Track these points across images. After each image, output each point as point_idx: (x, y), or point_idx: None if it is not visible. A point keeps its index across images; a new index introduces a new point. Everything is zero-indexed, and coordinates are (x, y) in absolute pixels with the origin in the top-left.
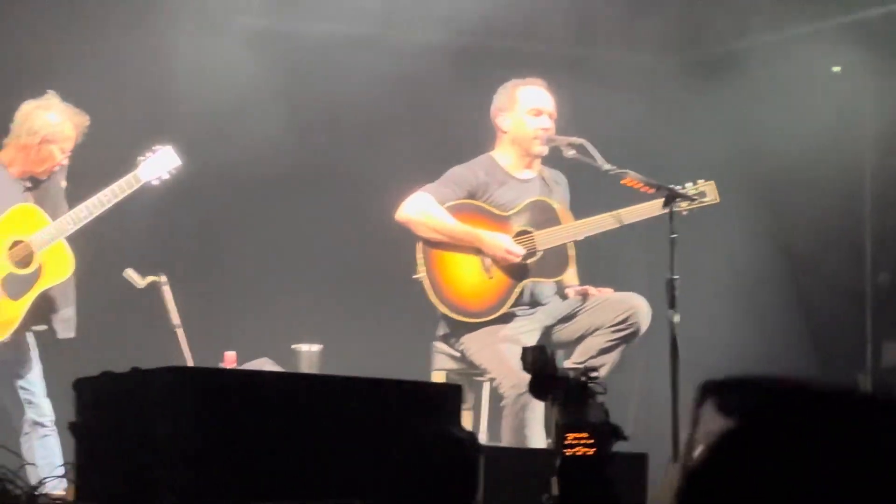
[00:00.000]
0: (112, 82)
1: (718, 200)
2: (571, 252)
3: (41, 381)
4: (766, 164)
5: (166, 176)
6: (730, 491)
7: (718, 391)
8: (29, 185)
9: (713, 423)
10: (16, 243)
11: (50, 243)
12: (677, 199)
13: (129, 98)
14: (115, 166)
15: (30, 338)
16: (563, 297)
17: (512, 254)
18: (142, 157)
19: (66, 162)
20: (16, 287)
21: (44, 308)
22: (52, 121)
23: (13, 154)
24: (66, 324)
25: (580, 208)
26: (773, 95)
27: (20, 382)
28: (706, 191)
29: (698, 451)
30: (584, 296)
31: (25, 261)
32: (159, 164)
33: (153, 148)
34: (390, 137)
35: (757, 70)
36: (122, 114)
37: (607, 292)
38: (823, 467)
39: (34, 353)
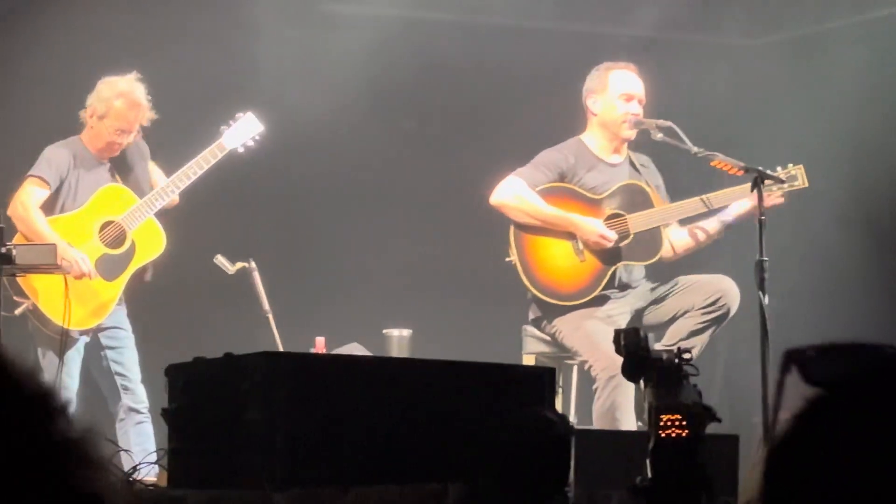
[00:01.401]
0: (197, 66)
1: (807, 184)
2: (664, 235)
3: (137, 367)
4: (853, 147)
5: (251, 143)
6: (816, 461)
7: (802, 359)
8: (110, 164)
9: (798, 392)
10: (106, 224)
11: (140, 221)
12: (766, 181)
13: (214, 86)
14: (203, 144)
15: (127, 325)
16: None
17: (605, 238)
18: (225, 126)
19: (138, 134)
20: (110, 267)
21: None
22: (117, 91)
23: (91, 133)
24: None
25: (668, 190)
26: (859, 77)
27: (117, 369)
28: (795, 174)
29: (783, 420)
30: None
31: (118, 241)
32: (243, 130)
33: (235, 116)
34: (479, 121)
35: (843, 51)
36: (207, 99)
37: None
38: None
39: (130, 341)
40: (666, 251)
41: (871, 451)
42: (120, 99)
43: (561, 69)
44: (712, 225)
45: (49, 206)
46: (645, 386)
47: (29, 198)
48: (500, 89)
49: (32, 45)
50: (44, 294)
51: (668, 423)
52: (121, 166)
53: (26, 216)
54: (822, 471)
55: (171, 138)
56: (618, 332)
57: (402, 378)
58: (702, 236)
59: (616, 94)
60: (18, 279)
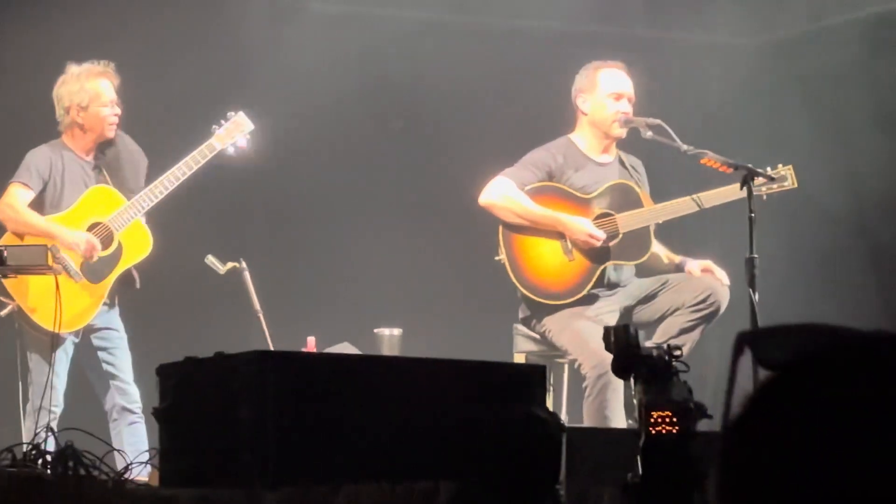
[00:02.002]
0: (186, 65)
1: (796, 185)
2: (652, 235)
3: (130, 367)
4: (845, 147)
5: (242, 143)
6: (769, 443)
7: (754, 341)
8: (97, 163)
9: (751, 375)
10: (93, 225)
11: (128, 223)
12: (756, 178)
13: (204, 86)
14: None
15: (119, 326)
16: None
17: (594, 237)
18: (216, 126)
19: (114, 120)
20: (97, 269)
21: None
22: (89, 72)
23: (76, 132)
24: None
25: (657, 190)
26: (849, 76)
27: (109, 369)
28: (785, 175)
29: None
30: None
31: (105, 242)
32: (234, 130)
33: (227, 115)
34: (468, 120)
35: (834, 51)
36: (196, 98)
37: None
38: (865, 414)
39: (123, 342)
40: (661, 259)
41: (824, 432)
42: (89, 77)
43: (550, 68)
44: (675, 259)
45: (34, 209)
46: (635, 383)
47: (15, 199)
48: (488, 88)
49: (6, 44)
50: (29, 295)
51: (659, 420)
52: (109, 166)
53: (16, 215)
54: (775, 453)
55: (162, 139)
56: (607, 330)
57: (392, 377)
58: (665, 262)
59: (605, 92)
60: (3, 280)
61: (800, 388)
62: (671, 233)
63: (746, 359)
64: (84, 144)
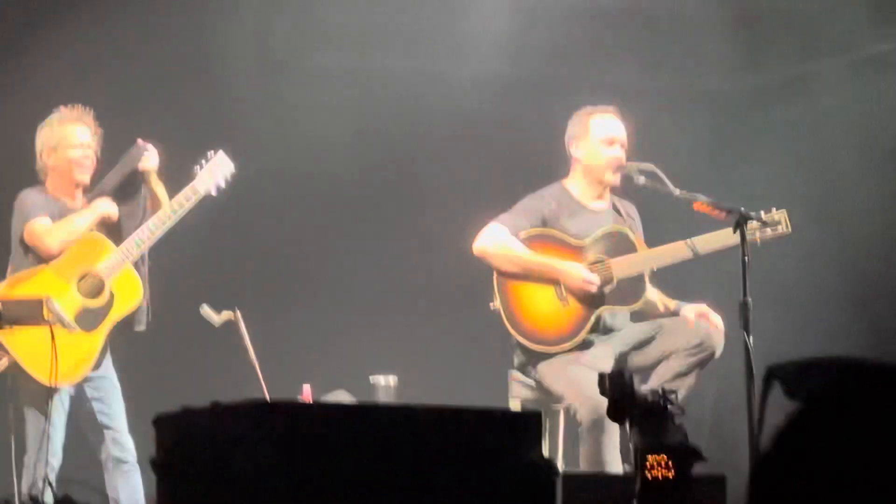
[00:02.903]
0: (178, 114)
1: (790, 230)
2: (647, 281)
3: (123, 417)
4: (836, 189)
5: (222, 184)
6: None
7: (784, 375)
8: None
9: (781, 407)
10: (84, 275)
11: (117, 270)
12: (748, 223)
13: (193, 134)
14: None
15: (112, 375)
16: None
17: (589, 283)
18: (197, 166)
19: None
20: (89, 319)
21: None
22: (59, 117)
23: (54, 176)
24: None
25: (651, 235)
26: (841, 118)
27: (103, 419)
28: (779, 219)
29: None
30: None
31: (96, 291)
32: (215, 171)
33: (207, 155)
34: (461, 168)
35: (824, 94)
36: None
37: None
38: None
39: (117, 391)
40: (656, 306)
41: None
42: (65, 123)
43: (542, 114)
44: (669, 304)
45: (24, 253)
46: (630, 427)
47: (41, 224)
48: (481, 136)
49: None
50: (24, 349)
51: (655, 464)
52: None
53: (55, 227)
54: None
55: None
56: (602, 375)
57: (388, 424)
58: (659, 307)
59: (598, 138)
60: None
61: (831, 421)
62: (666, 277)
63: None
64: (64, 189)
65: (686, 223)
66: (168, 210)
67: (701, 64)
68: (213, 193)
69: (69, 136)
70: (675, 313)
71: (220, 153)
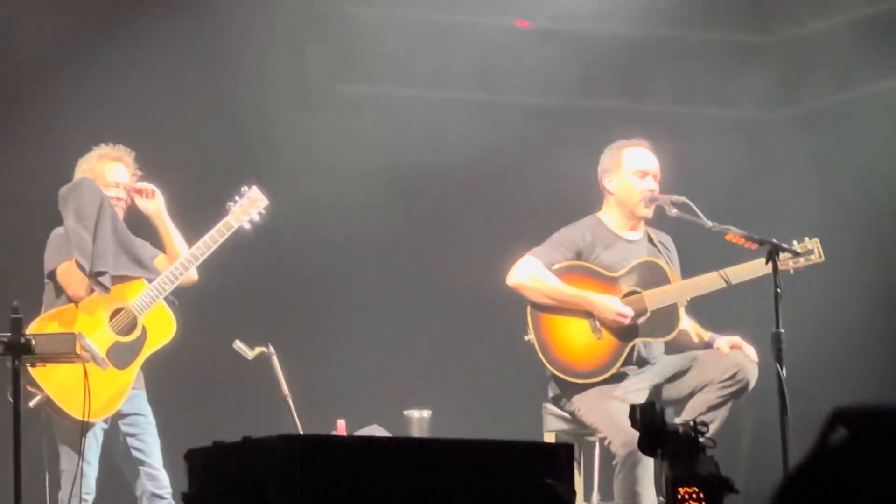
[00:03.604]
0: (211, 146)
1: (823, 259)
2: (681, 311)
3: (158, 453)
4: (871, 218)
5: (256, 218)
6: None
7: (849, 419)
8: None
9: (837, 448)
10: (117, 311)
11: (150, 306)
12: (781, 253)
13: (227, 163)
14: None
15: (147, 411)
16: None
17: (622, 315)
18: (231, 202)
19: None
20: (122, 356)
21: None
22: (96, 155)
23: None
24: None
25: (685, 265)
26: (876, 147)
27: (138, 455)
28: (812, 248)
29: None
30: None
31: (129, 327)
32: (249, 205)
33: (241, 191)
34: (495, 200)
35: (859, 123)
36: (220, 178)
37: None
38: None
39: (151, 426)
40: (690, 337)
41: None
42: (103, 161)
43: (577, 145)
44: (704, 336)
45: (57, 291)
46: (662, 459)
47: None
48: (515, 167)
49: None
50: (57, 385)
51: (686, 496)
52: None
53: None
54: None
55: (185, 217)
56: (633, 407)
57: (422, 458)
58: (694, 338)
59: (630, 171)
60: (31, 370)
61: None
62: (700, 308)
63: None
64: None
65: (720, 253)
66: (202, 247)
67: (735, 94)
68: (247, 227)
69: (106, 175)
70: (708, 345)
71: (255, 188)
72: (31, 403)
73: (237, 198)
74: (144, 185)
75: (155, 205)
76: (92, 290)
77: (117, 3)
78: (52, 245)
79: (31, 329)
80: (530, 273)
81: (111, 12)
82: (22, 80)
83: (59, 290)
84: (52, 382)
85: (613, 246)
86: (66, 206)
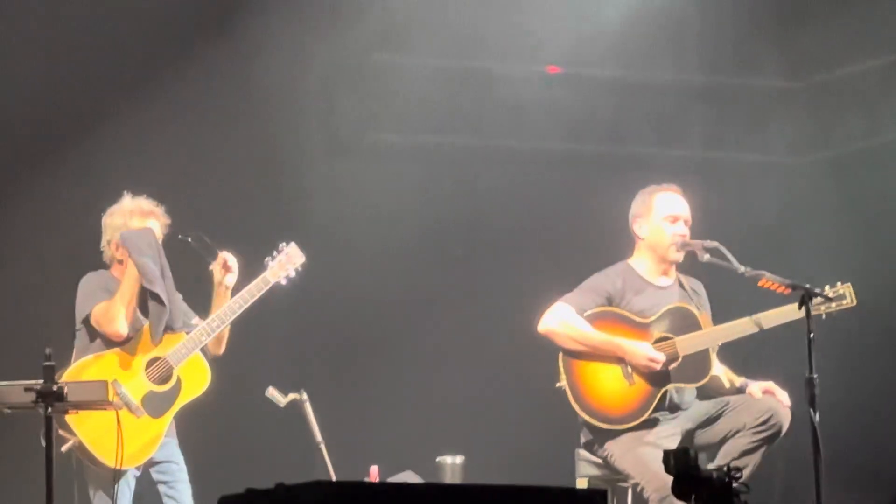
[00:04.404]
0: (246, 196)
1: (855, 303)
2: (713, 357)
3: (191, 500)
4: None
5: (293, 274)
6: None
7: None
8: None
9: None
10: (153, 360)
11: (186, 357)
12: (814, 299)
13: (260, 215)
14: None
15: (179, 458)
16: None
17: (654, 361)
18: (269, 258)
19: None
20: (156, 405)
21: None
22: (127, 210)
23: (113, 265)
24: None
25: (717, 310)
26: None
27: (171, 503)
28: (844, 293)
29: None
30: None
31: (164, 377)
32: (286, 262)
33: (279, 247)
34: (527, 246)
35: (890, 167)
36: (253, 229)
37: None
38: None
39: (183, 474)
40: (722, 383)
41: None
42: (135, 216)
43: (608, 191)
44: (735, 381)
45: (90, 336)
46: None
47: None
48: (546, 213)
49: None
50: (90, 431)
51: None
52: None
53: (113, 311)
54: None
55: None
56: (667, 453)
57: None
58: (725, 384)
59: (661, 216)
60: (65, 416)
61: None
62: (733, 354)
63: None
64: None
65: (752, 298)
66: (239, 300)
67: (766, 139)
68: (283, 283)
69: (159, 216)
70: (741, 390)
71: (293, 245)
72: (64, 448)
73: (275, 253)
74: (228, 256)
75: (233, 278)
76: (134, 330)
77: (150, 59)
78: (84, 290)
79: (68, 375)
80: (562, 319)
81: (145, 67)
82: (52, 132)
83: (94, 335)
84: (86, 428)
85: (644, 292)
86: (134, 247)
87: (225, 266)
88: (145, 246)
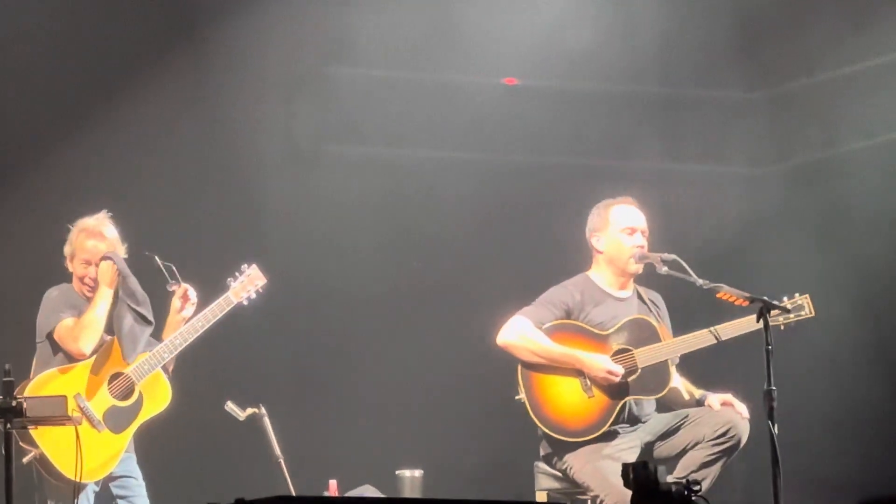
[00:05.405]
0: (202, 210)
1: (814, 314)
2: (672, 369)
3: None
4: (862, 272)
5: (254, 295)
6: None
7: None
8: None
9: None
10: (116, 376)
11: (149, 373)
12: (772, 311)
13: (219, 227)
14: (209, 294)
15: (137, 473)
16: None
17: (612, 373)
18: (231, 279)
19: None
20: (118, 420)
21: None
22: (80, 228)
23: (74, 278)
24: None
25: (676, 322)
26: (866, 202)
27: None
28: (802, 304)
29: None
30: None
31: (126, 392)
32: (248, 283)
33: (241, 268)
34: (485, 259)
35: (850, 177)
36: (212, 242)
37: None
38: None
39: (142, 489)
40: (681, 394)
41: None
42: (82, 234)
43: (567, 203)
44: (695, 394)
45: (53, 350)
46: None
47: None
48: (505, 226)
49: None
50: (52, 443)
51: None
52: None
53: (78, 329)
54: None
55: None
56: (626, 466)
57: None
58: (685, 396)
59: (619, 229)
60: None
61: None
62: (692, 366)
63: None
64: (82, 288)
65: (712, 309)
66: (201, 320)
67: (725, 150)
68: (245, 304)
69: (90, 251)
70: (700, 402)
71: (254, 267)
72: (25, 460)
73: (237, 274)
74: (189, 289)
75: (191, 310)
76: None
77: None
78: (48, 304)
79: (31, 387)
80: (520, 333)
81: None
82: (11, 147)
83: (57, 349)
84: (48, 441)
85: (603, 304)
86: (124, 269)
87: (184, 297)
88: (127, 267)
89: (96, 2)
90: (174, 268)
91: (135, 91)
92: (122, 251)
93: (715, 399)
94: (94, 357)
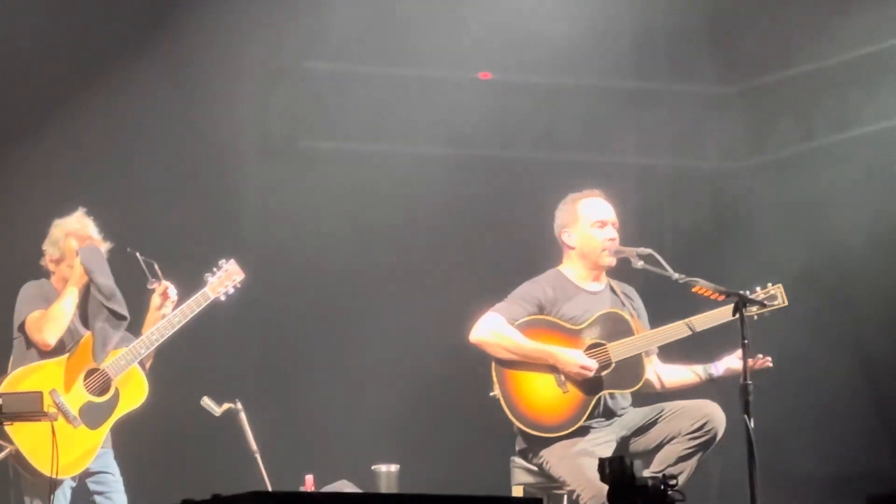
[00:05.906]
0: (177, 205)
1: (787, 304)
2: (646, 362)
3: None
4: (838, 265)
5: (232, 290)
6: None
7: None
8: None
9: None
10: (92, 371)
11: (125, 369)
12: (747, 305)
13: (194, 221)
14: (186, 289)
15: (114, 469)
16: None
17: (586, 368)
18: (208, 274)
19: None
20: (94, 415)
21: None
22: (66, 231)
23: (56, 277)
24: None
25: (653, 314)
26: (841, 195)
27: None
28: (775, 293)
29: None
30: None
31: (102, 388)
32: (226, 279)
33: (218, 263)
34: (459, 254)
35: (825, 170)
36: (188, 236)
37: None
38: None
39: (119, 485)
40: (652, 384)
41: None
42: (71, 238)
43: (540, 198)
44: (700, 371)
45: (27, 344)
46: None
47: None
48: (479, 220)
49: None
50: (28, 439)
51: None
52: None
53: (44, 320)
54: None
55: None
56: (602, 461)
57: None
58: (691, 377)
59: (589, 223)
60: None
61: None
62: (671, 358)
63: None
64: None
65: (689, 302)
66: (179, 315)
67: (700, 144)
68: (223, 299)
69: (73, 251)
70: (712, 375)
71: (232, 262)
72: (0, 456)
73: (215, 269)
74: (170, 286)
75: (170, 308)
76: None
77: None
78: (23, 298)
79: (7, 383)
80: (493, 329)
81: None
82: None
83: (30, 343)
84: (23, 436)
85: (576, 298)
86: (94, 265)
87: (164, 294)
88: (102, 263)
89: None
90: (156, 265)
91: (109, 86)
92: (104, 249)
93: (722, 364)
94: (71, 353)
